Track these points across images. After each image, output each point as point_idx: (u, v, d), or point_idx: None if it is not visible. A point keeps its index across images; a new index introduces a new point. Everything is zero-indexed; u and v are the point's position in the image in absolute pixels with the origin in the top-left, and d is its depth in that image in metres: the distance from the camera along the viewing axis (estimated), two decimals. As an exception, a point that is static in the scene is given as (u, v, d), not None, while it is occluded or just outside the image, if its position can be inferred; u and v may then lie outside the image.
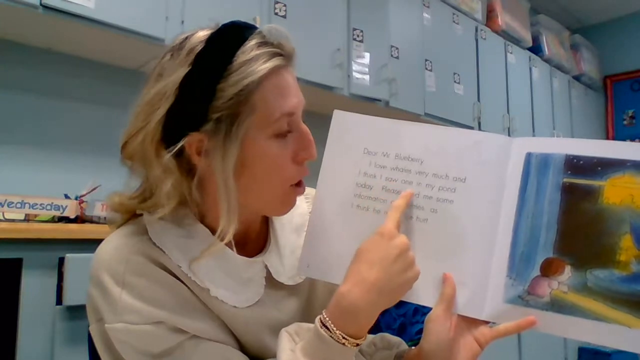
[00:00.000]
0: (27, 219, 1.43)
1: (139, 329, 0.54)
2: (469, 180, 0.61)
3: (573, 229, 0.56)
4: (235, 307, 0.60)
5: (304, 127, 0.61)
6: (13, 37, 1.65)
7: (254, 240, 0.67)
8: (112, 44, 1.69)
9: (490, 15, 3.30)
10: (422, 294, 0.61)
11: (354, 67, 2.28)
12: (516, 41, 3.46)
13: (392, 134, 0.65)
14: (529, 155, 0.60)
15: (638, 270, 0.53)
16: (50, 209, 1.46)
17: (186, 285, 0.58)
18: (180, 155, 0.57)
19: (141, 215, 0.61)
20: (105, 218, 1.24)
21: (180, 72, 0.56)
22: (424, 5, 2.74)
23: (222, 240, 0.57)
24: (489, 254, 0.60)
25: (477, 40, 3.09)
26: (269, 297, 0.64)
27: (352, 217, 0.64)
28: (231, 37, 0.58)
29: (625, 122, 4.35)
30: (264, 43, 0.58)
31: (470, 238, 0.60)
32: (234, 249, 0.61)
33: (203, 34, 0.59)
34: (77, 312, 1.22)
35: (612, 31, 4.41)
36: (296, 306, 0.67)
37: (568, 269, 0.56)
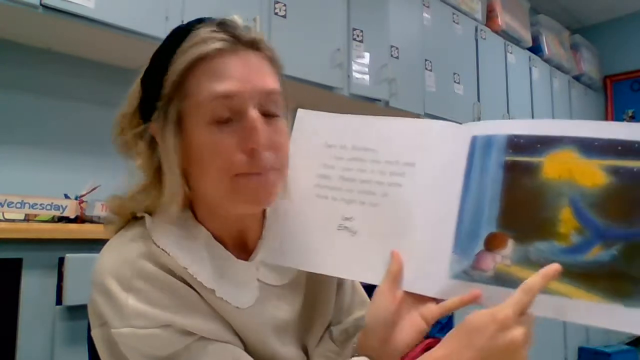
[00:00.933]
0: (27, 219, 1.43)
1: (146, 332, 0.54)
2: (418, 165, 0.64)
3: (515, 204, 0.58)
4: (237, 307, 0.60)
5: (252, 114, 0.56)
6: (13, 37, 1.65)
7: (254, 241, 0.67)
8: (112, 44, 1.69)
9: (490, 15, 3.30)
10: (372, 274, 0.63)
11: (354, 67, 2.28)
12: (516, 41, 3.46)
13: (350, 128, 0.69)
14: (474, 139, 0.62)
15: (577, 241, 0.54)
16: (50, 209, 1.46)
17: (192, 288, 0.58)
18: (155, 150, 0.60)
19: (141, 218, 0.61)
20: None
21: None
22: (424, 5, 2.74)
23: (168, 214, 0.58)
24: (435, 232, 0.61)
25: (477, 40, 3.09)
26: (267, 298, 0.64)
27: (313, 205, 0.68)
28: (182, 30, 0.60)
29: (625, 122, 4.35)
30: (212, 31, 0.58)
31: (417, 218, 0.62)
32: (230, 250, 0.62)
33: None
34: (77, 312, 1.22)
35: (612, 31, 4.41)
36: (297, 303, 0.67)
37: (511, 243, 0.57)
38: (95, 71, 1.86)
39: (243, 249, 0.66)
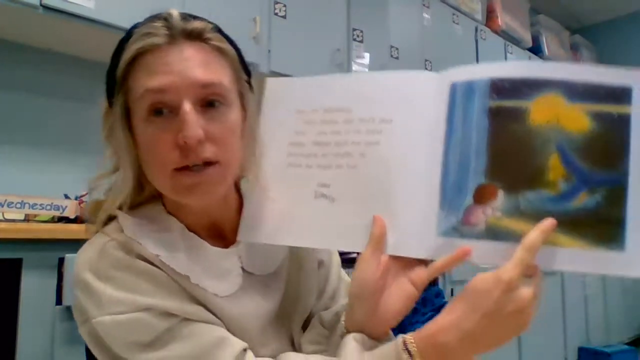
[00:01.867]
0: (27, 219, 1.43)
1: (126, 318, 0.54)
2: (395, 120, 0.61)
3: (503, 152, 0.55)
4: (216, 295, 0.60)
5: (184, 108, 0.55)
6: (13, 37, 1.65)
7: (232, 230, 0.66)
8: (112, 44, 1.69)
9: (490, 16, 3.31)
10: (355, 241, 0.59)
11: (354, 67, 2.28)
12: (516, 41, 3.46)
13: (321, 90, 0.66)
14: (454, 85, 0.58)
15: (565, 189, 0.53)
16: (50, 209, 1.46)
17: (168, 275, 0.58)
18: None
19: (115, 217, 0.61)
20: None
21: None
22: (424, 5, 2.74)
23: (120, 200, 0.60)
24: (419, 189, 0.58)
25: (477, 41, 3.09)
26: (251, 285, 0.64)
27: (287, 176, 0.64)
28: (131, 29, 0.60)
29: (625, 122, 4.35)
30: (150, 26, 0.59)
31: (399, 177, 0.59)
32: (206, 240, 0.62)
33: None
34: (77, 312, 1.22)
35: (612, 31, 4.41)
36: (277, 292, 0.67)
37: (501, 194, 0.54)
38: (95, 71, 1.85)
39: (221, 238, 0.66)
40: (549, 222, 0.51)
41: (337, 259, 0.79)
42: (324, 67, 2.15)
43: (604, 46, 4.41)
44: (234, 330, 0.60)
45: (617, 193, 0.52)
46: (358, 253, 0.59)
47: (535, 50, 3.67)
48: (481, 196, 0.55)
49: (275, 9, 2.02)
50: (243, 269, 0.64)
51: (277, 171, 0.65)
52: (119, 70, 0.58)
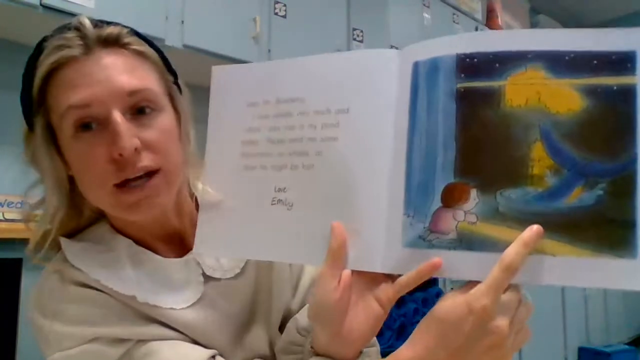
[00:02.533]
0: (25, 219, 1.42)
1: (76, 352, 0.53)
2: (352, 110, 0.52)
3: (474, 144, 0.45)
4: (172, 309, 0.57)
5: (114, 118, 0.52)
6: (13, 37, 1.65)
7: (191, 237, 0.63)
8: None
9: (490, 15, 3.31)
10: (311, 254, 0.51)
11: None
12: (516, 41, 3.46)
13: (271, 78, 0.57)
14: (416, 65, 0.49)
15: (554, 183, 0.43)
16: (50, 209, 1.45)
17: (115, 298, 0.56)
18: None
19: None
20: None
21: None
22: (424, 5, 2.74)
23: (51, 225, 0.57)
24: (381, 192, 0.49)
25: (477, 40, 3.09)
26: (215, 291, 0.61)
27: (242, 180, 0.56)
28: (40, 41, 0.56)
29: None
30: (61, 38, 0.55)
31: (360, 177, 0.50)
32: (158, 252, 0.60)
33: None
34: (77, 312, 1.22)
35: (612, 31, 4.41)
36: (246, 293, 0.64)
37: (474, 194, 0.45)
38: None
39: (181, 247, 0.63)
40: (532, 232, 0.42)
41: None
42: (324, 67, 2.15)
43: (604, 46, 4.41)
44: (201, 339, 0.58)
45: (624, 184, 0.42)
46: None
47: (535, 50, 3.67)
48: (450, 198, 0.46)
49: (275, 8, 2.02)
50: (205, 275, 0.61)
51: (231, 174, 0.57)
52: (34, 89, 0.55)
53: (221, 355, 0.57)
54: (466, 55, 0.46)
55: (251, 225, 0.55)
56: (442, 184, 0.46)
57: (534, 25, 3.72)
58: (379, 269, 0.49)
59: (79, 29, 0.56)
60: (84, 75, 0.53)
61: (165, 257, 0.60)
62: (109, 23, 0.58)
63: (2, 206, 1.38)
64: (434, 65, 0.48)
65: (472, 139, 0.46)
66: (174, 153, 0.57)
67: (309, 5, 2.15)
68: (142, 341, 0.55)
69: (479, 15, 3.16)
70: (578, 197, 0.43)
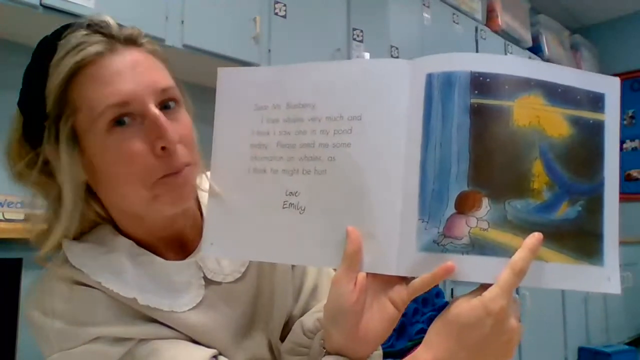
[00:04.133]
0: (27, 219, 1.42)
1: (77, 351, 0.53)
2: (365, 117, 0.54)
3: (486, 156, 0.49)
4: (173, 311, 0.57)
5: (153, 113, 0.53)
6: (13, 37, 1.65)
7: (193, 240, 0.64)
8: (112, 44, 1.69)
9: (490, 15, 3.31)
10: (326, 256, 0.53)
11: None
12: (516, 41, 3.46)
13: (281, 82, 0.58)
14: (429, 77, 0.52)
15: (549, 198, 0.49)
16: (50, 209, 1.45)
17: (116, 299, 0.56)
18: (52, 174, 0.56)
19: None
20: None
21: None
22: (424, 5, 2.74)
23: (66, 237, 0.56)
24: (396, 197, 0.51)
25: (477, 41, 3.09)
26: (215, 294, 0.61)
27: (251, 183, 0.57)
28: (50, 40, 0.55)
29: (625, 122, 4.35)
30: (83, 35, 0.54)
31: (373, 183, 0.52)
32: (161, 254, 0.60)
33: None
34: (77, 312, 1.22)
35: (612, 31, 4.41)
36: (246, 297, 0.64)
37: (486, 202, 0.49)
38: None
39: (182, 250, 0.63)
40: (535, 239, 0.47)
41: None
42: (324, 67, 2.15)
43: (604, 46, 4.41)
44: (201, 341, 0.58)
45: (595, 204, 0.49)
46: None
47: (535, 50, 3.67)
48: (464, 205, 0.49)
49: (275, 9, 2.01)
50: (206, 278, 0.61)
51: (240, 177, 0.58)
52: (55, 89, 0.53)
53: (222, 355, 0.58)
54: (480, 74, 0.50)
55: (262, 227, 0.56)
56: (456, 192, 0.49)
57: (534, 24, 3.72)
58: (394, 272, 0.51)
59: (98, 25, 0.55)
60: (115, 73, 0.53)
61: (167, 259, 0.60)
62: (120, 24, 0.59)
63: (2, 206, 1.38)
64: (448, 79, 0.51)
65: (485, 152, 0.50)
66: (196, 148, 0.59)
67: (309, 5, 2.15)
68: (144, 340, 0.55)
69: (479, 15, 3.16)
70: (565, 211, 0.49)
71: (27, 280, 1.19)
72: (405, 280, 0.52)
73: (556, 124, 0.50)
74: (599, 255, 0.49)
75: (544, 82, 0.50)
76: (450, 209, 0.49)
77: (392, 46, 2.48)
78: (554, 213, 0.49)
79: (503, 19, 3.33)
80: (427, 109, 0.52)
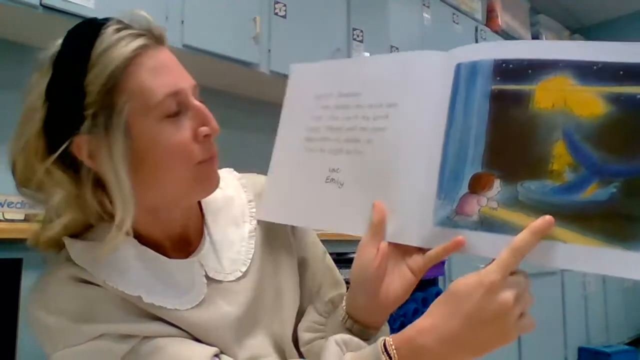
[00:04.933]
0: (27, 219, 1.43)
1: (83, 348, 0.54)
2: (401, 105, 0.60)
3: (502, 139, 0.52)
4: (177, 310, 0.57)
5: (198, 103, 0.59)
6: (13, 37, 1.65)
7: (195, 239, 0.65)
8: (112, 44, 1.69)
9: (490, 15, 3.31)
10: (355, 225, 0.60)
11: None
12: (516, 41, 3.46)
13: (336, 74, 0.67)
14: (458, 67, 0.56)
15: (572, 179, 0.48)
16: (50, 209, 1.45)
17: (120, 296, 0.56)
18: (77, 168, 0.56)
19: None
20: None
21: (42, 82, 0.55)
22: (424, 5, 2.74)
23: (120, 229, 0.54)
24: (420, 177, 0.57)
25: (477, 40, 3.08)
26: (217, 293, 0.62)
27: (304, 160, 0.66)
28: (85, 31, 0.56)
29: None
30: (122, 28, 0.56)
31: (402, 163, 0.58)
32: (165, 252, 0.61)
33: (61, 40, 0.58)
34: (77, 312, 1.22)
35: (612, 31, 4.41)
36: (247, 296, 0.65)
37: (497, 183, 0.52)
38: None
39: (185, 249, 0.64)
40: (541, 222, 0.48)
41: (320, 249, 0.77)
42: (324, 67, 2.15)
43: (604, 46, 4.41)
44: (204, 338, 0.59)
45: (635, 185, 0.46)
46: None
47: (535, 50, 3.66)
48: (476, 185, 0.53)
49: (275, 8, 2.01)
50: (208, 277, 0.62)
51: (295, 155, 0.67)
52: (104, 78, 0.53)
53: (224, 353, 0.58)
54: (503, 61, 0.53)
55: (306, 198, 0.65)
56: (471, 173, 0.53)
57: (533, 24, 3.72)
58: (413, 242, 0.57)
59: (139, 21, 0.58)
60: (167, 64, 0.58)
61: (170, 257, 0.61)
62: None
63: (2, 206, 1.38)
64: (473, 68, 0.55)
65: (501, 135, 0.52)
66: None
67: (309, 5, 2.15)
68: (147, 338, 0.55)
69: (479, 15, 3.16)
70: (593, 192, 0.48)
71: (27, 280, 1.19)
72: (422, 250, 0.58)
73: (588, 103, 0.49)
74: (636, 239, 0.46)
75: (574, 61, 0.49)
76: (464, 189, 0.53)
77: (392, 46, 2.48)
78: (578, 194, 0.48)
79: (503, 19, 3.33)
80: (453, 97, 0.56)
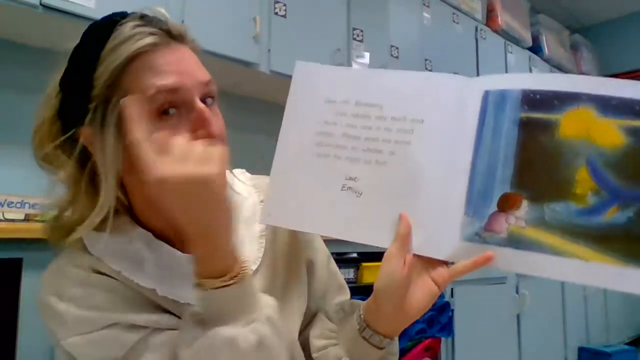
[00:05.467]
0: (27, 219, 1.43)
1: (94, 336, 0.54)
2: (427, 121, 0.62)
3: (530, 163, 0.56)
4: (189, 304, 0.58)
5: (200, 105, 0.57)
6: (13, 37, 1.65)
7: None
8: (112, 43, 1.69)
9: (490, 15, 3.30)
10: (380, 236, 0.61)
11: (354, 66, 2.28)
12: (516, 41, 3.46)
13: (353, 82, 0.67)
14: (486, 93, 0.60)
15: (594, 202, 0.53)
16: (50, 209, 1.45)
17: (133, 288, 0.57)
18: (87, 157, 0.57)
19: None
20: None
21: (60, 72, 0.58)
22: (424, 5, 2.74)
23: (99, 215, 0.55)
24: (446, 192, 0.59)
25: (477, 40, 3.09)
26: None
27: (314, 165, 0.65)
28: (104, 26, 0.57)
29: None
30: (138, 25, 0.56)
31: (427, 178, 0.60)
32: (176, 247, 0.61)
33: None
34: (77, 312, 1.22)
35: (612, 31, 4.41)
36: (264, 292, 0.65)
37: (525, 203, 0.55)
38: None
39: None
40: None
41: (325, 254, 0.77)
42: (324, 67, 2.15)
43: (604, 46, 4.41)
44: None
45: None
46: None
47: (535, 49, 3.66)
48: (505, 204, 0.56)
49: (275, 8, 2.01)
50: None
51: (303, 158, 0.66)
52: (108, 73, 0.54)
53: None
54: (531, 91, 0.57)
55: (318, 204, 0.64)
56: (499, 193, 0.56)
57: (533, 24, 3.72)
58: (440, 256, 0.59)
59: (154, 18, 0.58)
60: (170, 63, 0.56)
61: (182, 251, 0.61)
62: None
63: (2, 206, 1.38)
64: (501, 96, 0.59)
65: (529, 159, 0.56)
66: (226, 142, 0.61)
67: (309, 5, 2.14)
68: (158, 330, 0.56)
69: (479, 15, 3.16)
70: (612, 215, 0.52)
71: (27, 280, 1.19)
72: (445, 263, 0.60)
73: (608, 134, 0.53)
74: None
75: (595, 95, 0.54)
76: (493, 207, 0.56)
77: (392, 46, 2.48)
78: (600, 217, 0.53)
79: (503, 19, 3.32)
80: (481, 121, 0.59)
